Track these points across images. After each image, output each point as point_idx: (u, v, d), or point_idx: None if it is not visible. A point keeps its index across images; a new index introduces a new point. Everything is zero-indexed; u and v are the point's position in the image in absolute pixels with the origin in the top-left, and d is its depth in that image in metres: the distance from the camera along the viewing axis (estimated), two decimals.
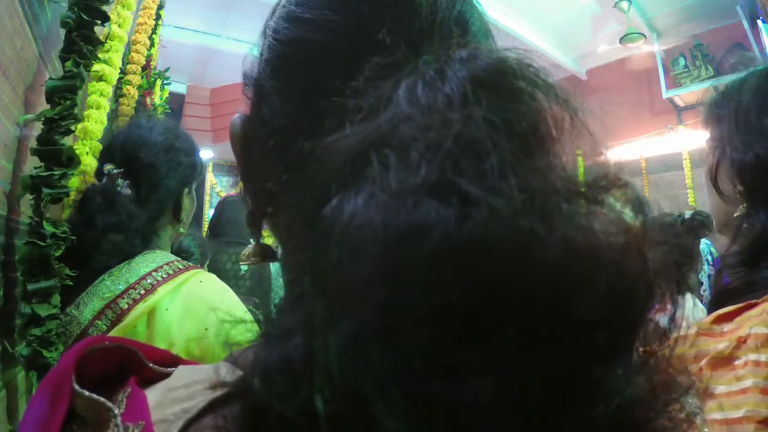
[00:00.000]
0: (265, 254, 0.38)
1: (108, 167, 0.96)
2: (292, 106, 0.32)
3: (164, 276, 0.88)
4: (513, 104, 0.22)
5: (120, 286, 0.86)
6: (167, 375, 0.30)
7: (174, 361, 0.32)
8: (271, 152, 0.32)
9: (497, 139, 0.21)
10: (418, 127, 0.21)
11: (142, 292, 0.85)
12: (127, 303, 0.84)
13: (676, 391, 0.22)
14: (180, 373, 0.29)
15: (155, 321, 0.84)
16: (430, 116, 0.21)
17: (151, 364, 0.30)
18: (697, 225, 2.23)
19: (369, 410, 0.18)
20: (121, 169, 0.96)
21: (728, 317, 0.57)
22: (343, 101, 0.24)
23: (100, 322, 0.83)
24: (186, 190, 1.04)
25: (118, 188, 0.94)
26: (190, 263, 0.96)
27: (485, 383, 0.18)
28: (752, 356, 0.52)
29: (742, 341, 0.53)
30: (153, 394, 0.27)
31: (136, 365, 0.30)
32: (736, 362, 0.53)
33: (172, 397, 0.27)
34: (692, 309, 1.63)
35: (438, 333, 0.18)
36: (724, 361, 0.54)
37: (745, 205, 0.69)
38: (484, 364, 0.18)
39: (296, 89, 0.32)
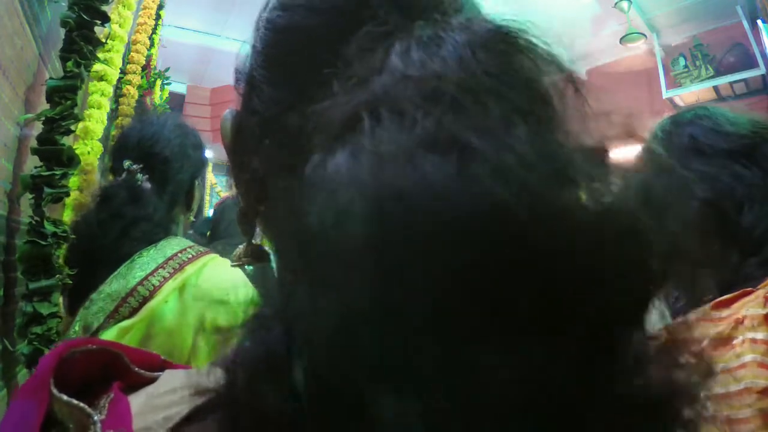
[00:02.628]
0: (257, 255, 0.36)
1: (127, 163, 1.01)
2: (284, 92, 0.30)
3: (189, 257, 0.96)
4: (517, 67, 0.20)
5: (151, 266, 0.92)
6: (154, 379, 0.28)
7: (162, 365, 0.31)
8: (261, 138, 0.30)
9: (503, 90, 0.19)
10: (413, 83, 0.19)
11: (171, 270, 0.92)
12: (158, 280, 0.91)
13: (682, 381, 0.20)
14: (165, 378, 0.28)
15: (185, 295, 0.91)
16: (426, 72, 0.19)
17: (136, 369, 0.29)
18: None
19: (360, 409, 0.15)
20: (141, 165, 1.01)
21: (726, 304, 0.61)
22: (332, 73, 0.22)
23: (132, 299, 0.89)
24: (196, 182, 1.11)
25: (138, 182, 0.99)
26: (207, 248, 1.03)
27: (505, 377, 0.15)
28: (749, 335, 0.56)
29: (739, 322, 0.58)
30: (136, 401, 0.26)
31: (121, 369, 0.29)
32: (735, 341, 0.57)
33: (155, 404, 0.25)
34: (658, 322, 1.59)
35: (449, 315, 0.15)
36: (723, 341, 0.57)
37: None
38: (506, 356, 0.15)
39: (288, 75, 0.30)
